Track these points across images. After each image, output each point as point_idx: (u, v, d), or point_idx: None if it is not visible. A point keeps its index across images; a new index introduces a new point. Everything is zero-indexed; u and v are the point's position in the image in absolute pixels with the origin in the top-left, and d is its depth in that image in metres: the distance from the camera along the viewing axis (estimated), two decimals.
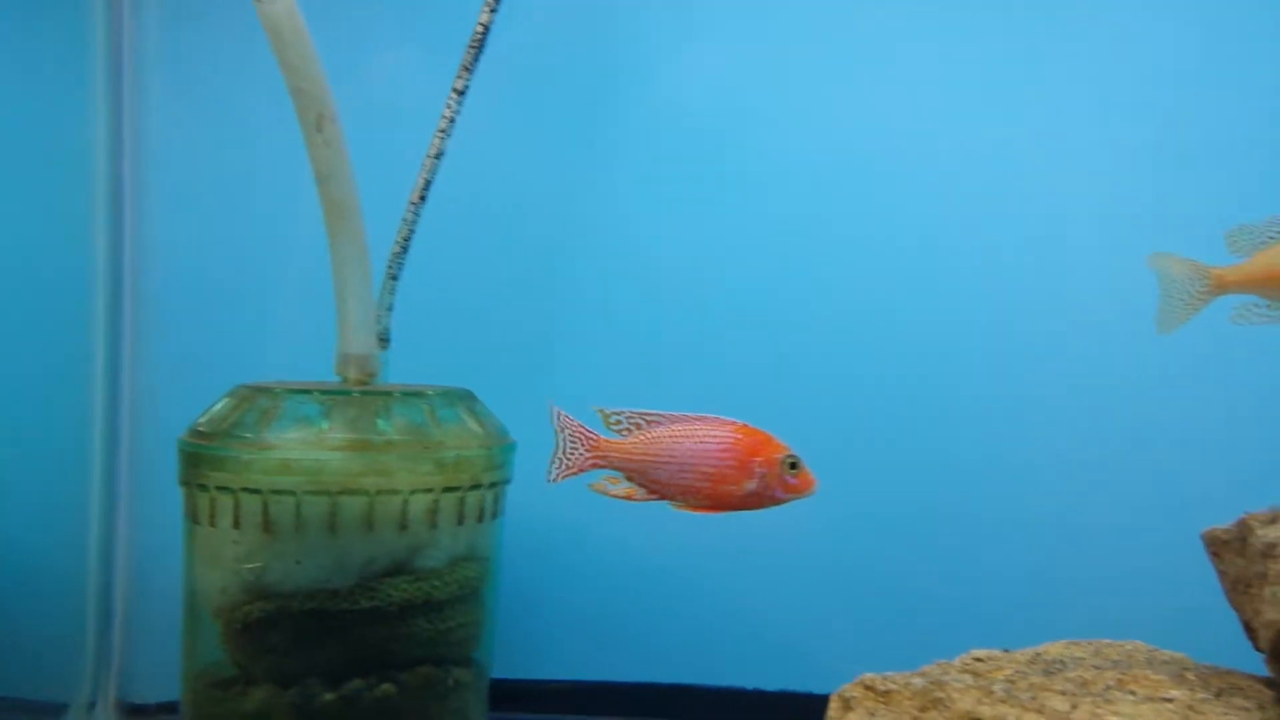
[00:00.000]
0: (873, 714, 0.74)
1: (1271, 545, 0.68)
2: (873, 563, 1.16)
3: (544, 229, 1.22)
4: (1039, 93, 1.16)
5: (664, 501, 0.80)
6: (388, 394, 0.94)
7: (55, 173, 1.17)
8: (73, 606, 1.16)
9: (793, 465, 0.78)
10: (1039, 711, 0.68)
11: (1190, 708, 0.68)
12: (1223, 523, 0.77)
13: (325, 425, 0.90)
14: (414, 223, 1.02)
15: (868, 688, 0.76)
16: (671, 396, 1.15)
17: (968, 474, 1.15)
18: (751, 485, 0.77)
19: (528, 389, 1.17)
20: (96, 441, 1.18)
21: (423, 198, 1.02)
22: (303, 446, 0.88)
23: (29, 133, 1.13)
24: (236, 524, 0.89)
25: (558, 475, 0.81)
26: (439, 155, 1.02)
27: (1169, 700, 0.69)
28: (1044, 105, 1.16)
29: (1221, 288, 0.85)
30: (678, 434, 0.78)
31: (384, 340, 1.01)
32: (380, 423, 0.91)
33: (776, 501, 0.78)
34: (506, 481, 0.99)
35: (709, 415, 0.79)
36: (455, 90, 1.02)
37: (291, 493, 0.88)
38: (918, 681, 0.75)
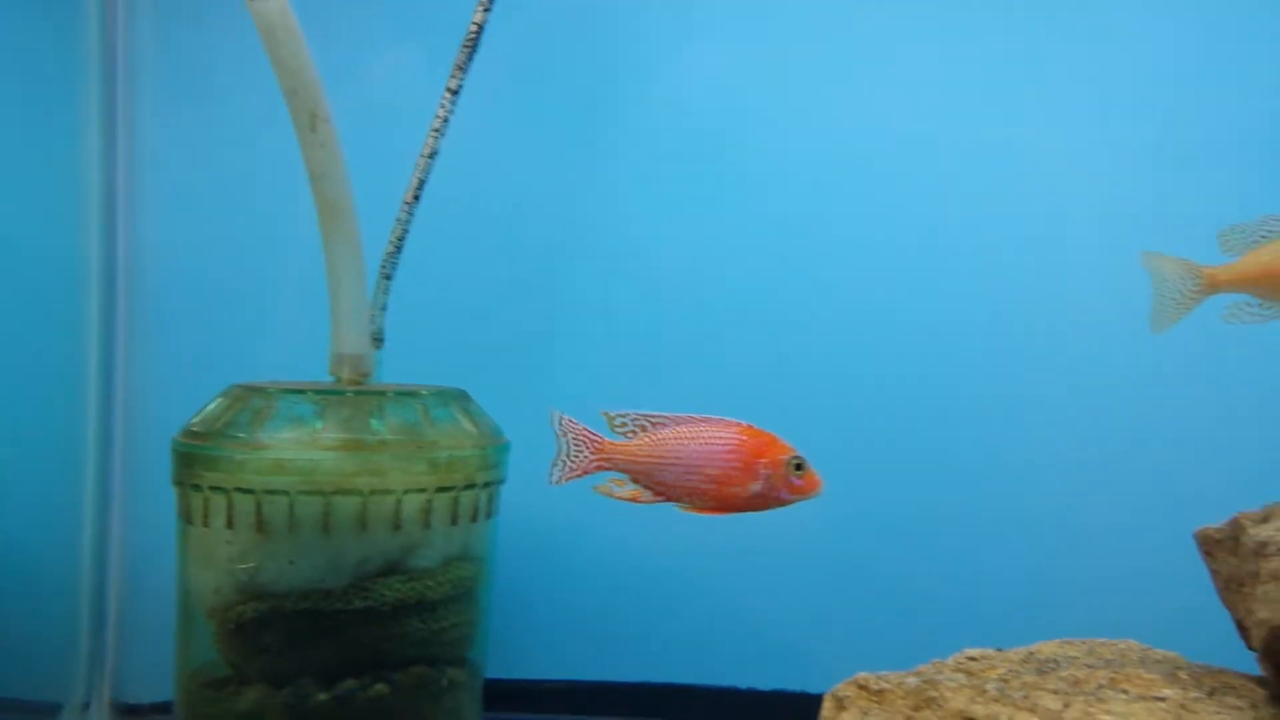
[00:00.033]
0: (866, 713, 0.74)
1: (1263, 544, 0.68)
2: (870, 562, 1.16)
3: (541, 228, 1.22)
4: (1039, 93, 1.16)
5: (669, 503, 0.80)
6: (381, 394, 0.94)
7: (48, 173, 1.17)
8: (67, 606, 1.16)
9: (798, 466, 0.78)
10: (1031, 710, 0.68)
11: (1183, 706, 0.68)
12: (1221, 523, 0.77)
13: (319, 425, 0.89)
14: (408, 222, 1.02)
15: (861, 687, 0.76)
16: (670, 396, 1.16)
17: (967, 474, 1.15)
18: (757, 487, 0.77)
19: (524, 389, 1.18)
20: (90, 441, 1.18)
21: (417, 197, 1.02)
22: (296, 446, 0.88)
23: (21, 133, 1.13)
24: (230, 524, 0.89)
25: (562, 478, 0.81)
26: (433, 155, 1.02)
27: (1161, 699, 0.69)
28: (1044, 105, 1.16)
29: (1214, 287, 0.85)
30: (683, 436, 0.78)
31: (378, 340, 1.01)
32: (374, 423, 0.91)
33: (782, 503, 0.78)
34: (501, 481, 0.99)
35: (714, 417, 0.79)
36: (449, 90, 1.02)
37: (285, 493, 0.87)
38: (911, 681, 0.75)
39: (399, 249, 1.02)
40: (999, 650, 0.82)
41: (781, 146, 1.19)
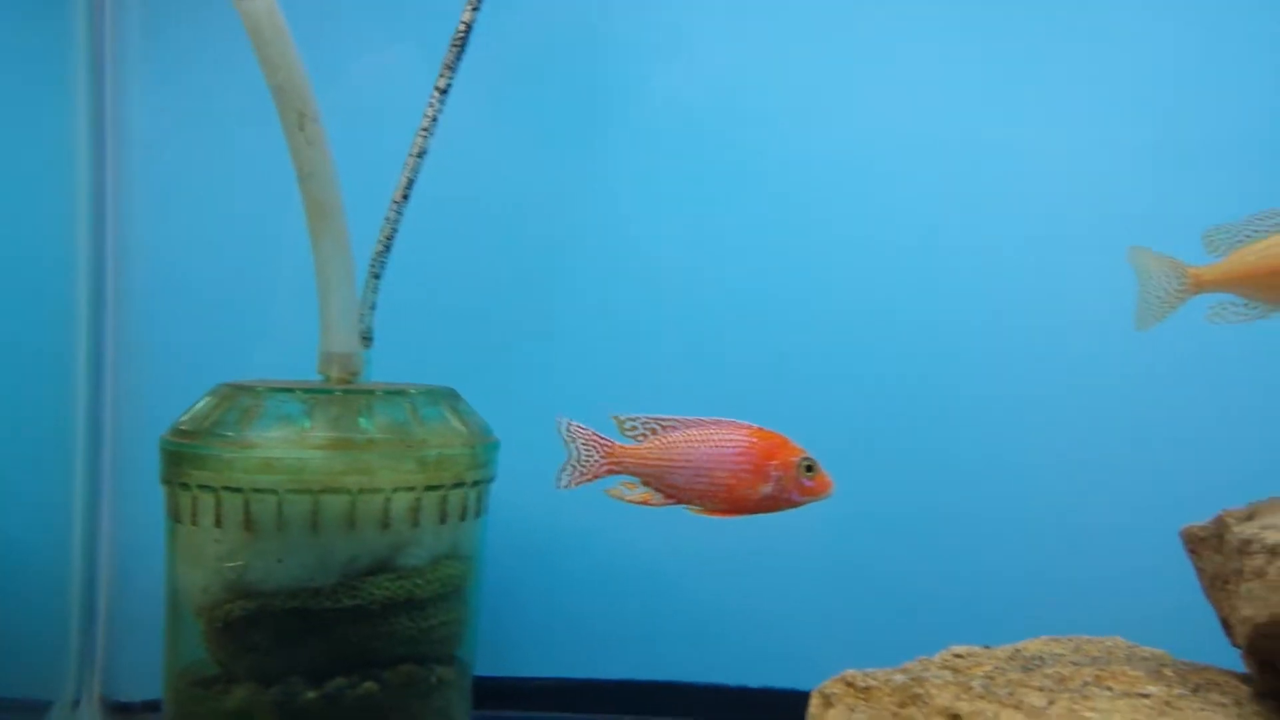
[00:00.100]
0: (853, 710, 0.74)
1: (1246, 542, 0.68)
2: (866, 561, 1.17)
3: (538, 228, 1.22)
4: (1039, 93, 1.16)
5: (680, 506, 0.80)
6: (370, 392, 0.94)
7: (36, 172, 1.16)
8: (57, 604, 1.16)
9: (809, 468, 0.78)
10: (1016, 707, 0.68)
11: (1167, 703, 0.69)
12: None
13: (307, 424, 0.89)
14: (397, 221, 1.02)
15: (849, 684, 0.76)
16: (669, 396, 1.17)
17: (966, 473, 1.15)
18: (767, 489, 0.77)
19: (519, 389, 1.18)
20: (79, 439, 1.18)
21: (405, 196, 1.02)
22: (284, 445, 0.88)
23: (9, 131, 1.12)
24: (218, 523, 0.89)
25: (572, 481, 0.81)
26: (422, 154, 1.02)
27: (1146, 696, 0.70)
28: (1044, 105, 1.16)
29: (1199, 286, 0.85)
30: (693, 438, 0.78)
31: (367, 339, 1.01)
32: (362, 421, 0.91)
33: (793, 504, 0.78)
34: (490, 480, 0.99)
35: (724, 419, 0.79)
36: (438, 89, 1.02)
37: (273, 491, 0.87)
38: (898, 678, 0.75)
39: (388, 248, 1.02)
40: (985, 647, 0.82)
41: (781, 146, 1.19)
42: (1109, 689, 0.70)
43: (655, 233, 1.20)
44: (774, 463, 0.78)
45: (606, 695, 1.18)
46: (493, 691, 1.14)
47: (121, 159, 1.21)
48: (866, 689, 0.75)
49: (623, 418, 0.80)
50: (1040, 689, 0.71)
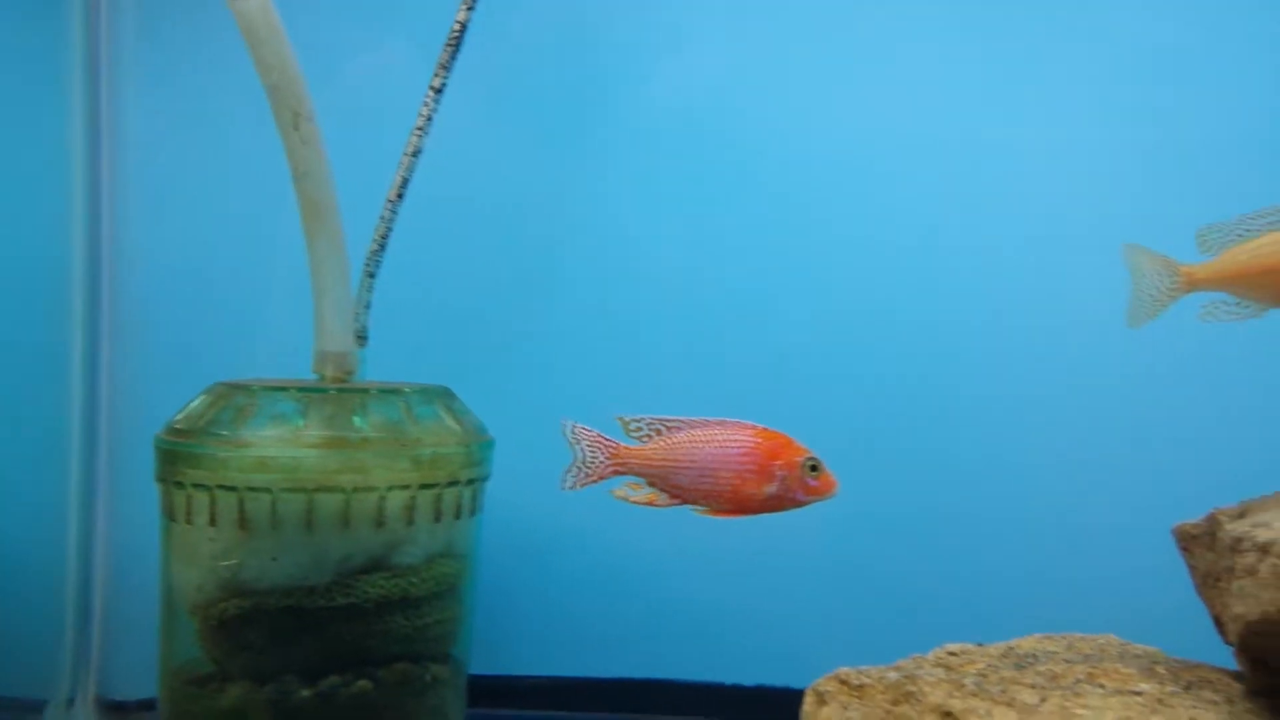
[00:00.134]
0: (846, 708, 0.74)
1: (1238, 540, 0.69)
2: (864, 560, 1.17)
3: (534, 227, 1.22)
4: (1039, 93, 1.16)
5: (684, 506, 0.80)
6: (364, 391, 0.94)
7: (32, 172, 1.16)
8: (51, 603, 1.16)
9: (813, 468, 0.78)
10: (1009, 705, 0.68)
11: (1159, 700, 0.69)
12: None
13: (301, 423, 0.90)
14: (391, 221, 1.02)
15: (842, 682, 0.76)
16: (668, 397, 1.17)
17: (966, 473, 1.15)
18: (772, 489, 0.77)
19: (514, 387, 1.18)
20: (75, 438, 1.18)
21: (400, 195, 1.02)
22: (279, 444, 0.88)
23: (4, 133, 1.12)
24: (213, 521, 0.89)
25: (577, 483, 0.81)
26: (417, 153, 1.02)
27: (1138, 693, 0.70)
28: (1044, 105, 1.16)
29: (1191, 285, 0.85)
30: (697, 439, 0.78)
31: (362, 338, 1.01)
32: (356, 420, 0.91)
33: (798, 504, 0.79)
34: (485, 478, 0.99)
35: (729, 420, 0.79)
36: (433, 88, 1.02)
37: (268, 490, 0.88)
38: (891, 675, 0.75)
39: (383, 247, 1.02)
40: (979, 645, 0.82)
41: (781, 146, 1.19)
42: (1101, 686, 0.70)
43: (654, 232, 1.20)
44: (778, 463, 0.78)
45: (601, 693, 1.18)
46: (488, 690, 1.14)
47: (117, 159, 1.21)
48: (860, 687, 0.75)
49: (627, 418, 0.80)
50: (1032, 686, 0.71)
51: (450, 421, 0.96)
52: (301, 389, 0.93)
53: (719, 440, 0.78)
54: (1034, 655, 0.80)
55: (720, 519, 0.79)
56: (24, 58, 1.16)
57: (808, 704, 0.76)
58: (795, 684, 0.76)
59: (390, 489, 0.90)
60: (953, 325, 1.16)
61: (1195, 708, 0.68)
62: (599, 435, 0.81)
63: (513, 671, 1.19)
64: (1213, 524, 0.75)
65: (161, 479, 0.93)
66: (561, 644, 1.20)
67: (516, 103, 1.22)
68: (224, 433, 0.89)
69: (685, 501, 0.80)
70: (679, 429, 0.79)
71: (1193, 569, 0.78)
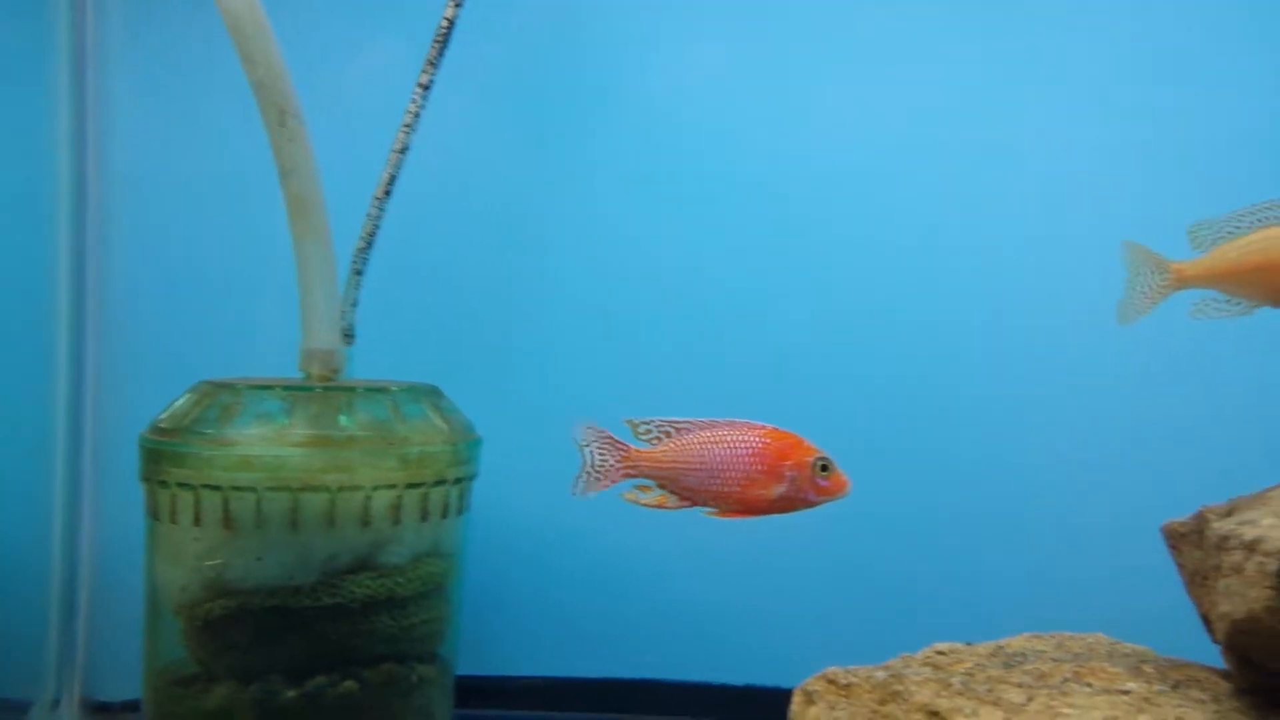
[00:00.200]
0: (833, 707, 0.74)
1: (1225, 538, 0.68)
2: (860, 559, 1.16)
3: (526, 225, 1.21)
4: (1039, 93, 1.16)
5: (694, 508, 0.80)
6: (350, 390, 0.93)
7: (17, 166, 1.16)
8: (37, 602, 1.15)
9: (824, 467, 0.77)
10: (995, 704, 0.68)
11: (1146, 699, 0.68)
12: None
13: (286, 421, 0.89)
14: (379, 218, 1.02)
15: (830, 681, 0.76)
16: (666, 396, 1.17)
17: (965, 473, 1.15)
18: (781, 489, 0.77)
19: (505, 387, 1.18)
20: (60, 437, 1.17)
21: (388, 193, 1.02)
22: (264, 443, 0.88)
23: None
24: (197, 521, 0.88)
25: (589, 488, 0.80)
26: (404, 150, 1.02)
27: (1125, 692, 0.69)
28: (1044, 105, 1.16)
29: (1181, 281, 0.85)
30: (706, 440, 0.78)
31: (348, 336, 1.01)
32: (342, 419, 0.90)
33: (809, 504, 0.78)
34: (472, 477, 0.99)
35: (738, 420, 0.78)
36: (420, 85, 1.02)
37: (252, 489, 0.87)
38: (879, 675, 0.75)
39: (370, 245, 1.02)
40: (968, 645, 0.82)
41: (781, 145, 1.19)
42: (1088, 685, 0.70)
43: (650, 231, 1.20)
44: (788, 463, 0.77)
45: (591, 694, 1.17)
46: (477, 690, 1.14)
47: (103, 157, 1.21)
48: (848, 686, 0.75)
49: (636, 421, 0.80)
50: (1019, 685, 0.71)
51: (437, 420, 0.95)
52: (287, 387, 0.92)
53: (728, 441, 0.77)
54: (1023, 654, 0.80)
55: (730, 520, 0.79)
56: (9, 56, 1.15)
57: (795, 703, 0.76)
58: (785, 684, 0.76)
59: (376, 488, 0.89)
60: (952, 325, 1.16)
61: (1182, 706, 0.67)
62: (611, 437, 0.80)
63: (502, 671, 1.18)
64: (1201, 522, 0.75)
65: (146, 478, 0.92)
66: (550, 644, 1.19)
67: (509, 99, 1.22)
68: (209, 431, 0.89)
69: (695, 503, 0.79)
70: (688, 430, 0.79)
71: (1181, 567, 0.78)
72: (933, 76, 1.17)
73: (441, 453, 0.94)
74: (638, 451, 0.79)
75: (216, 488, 0.87)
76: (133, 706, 1.17)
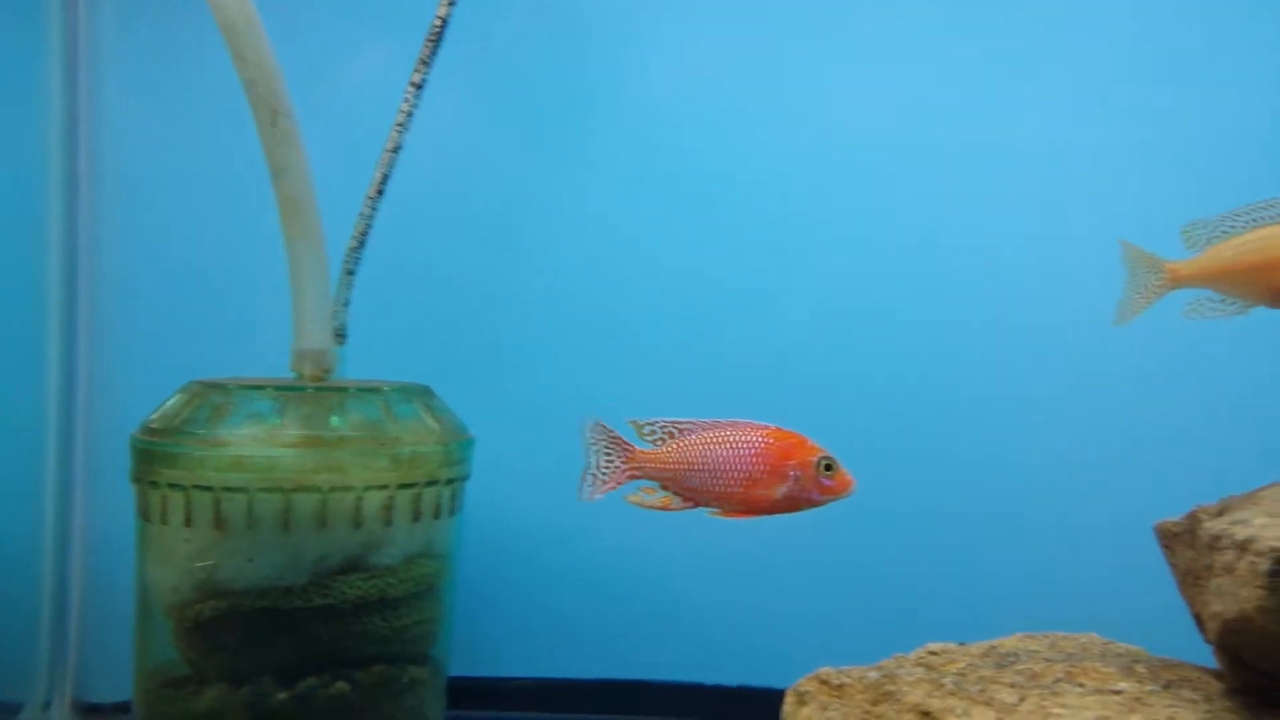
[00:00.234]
0: (825, 708, 0.74)
1: (1216, 538, 0.68)
2: (853, 559, 1.16)
3: (522, 225, 1.21)
4: (1039, 93, 1.16)
5: (699, 509, 0.80)
6: (342, 390, 0.93)
7: (9, 168, 1.15)
8: (28, 605, 1.15)
9: (828, 467, 0.77)
10: (987, 704, 0.68)
11: (1138, 699, 0.68)
12: None
13: (278, 421, 0.89)
14: (371, 218, 1.01)
15: (823, 682, 0.76)
16: (664, 397, 1.16)
17: (965, 473, 1.15)
18: (785, 489, 0.76)
19: (499, 387, 1.18)
20: (51, 437, 1.17)
21: (380, 192, 1.01)
22: (255, 443, 0.87)
23: None
24: (188, 522, 0.88)
25: (595, 491, 0.80)
26: (397, 149, 1.02)
27: (1117, 693, 0.69)
28: (1044, 105, 1.16)
29: (1175, 281, 0.85)
30: (709, 441, 0.78)
31: (340, 336, 1.00)
32: (334, 419, 0.90)
33: (814, 503, 0.78)
34: (465, 478, 0.99)
35: (742, 420, 0.78)
36: (413, 84, 1.01)
37: (244, 490, 0.87)
38: (872, 675, 0.75)
39: (362, 244, 1.01)
40: (961, 645, 0.82)
41: (781, 145, 1.18)
42: (1080, 685, 0.70)
43: (647, 231, 1.20)
44: (791, 462, 0.77)
45: (584, 694, 1.17)
46: (470, 691, 1.14)
47: (95, 156, 1.20)
48: (840, 686, 0.75)
49: (640, 422, 0.79)
50: (1011, 685, 0.70)
51: (429, 420, 0.95)
52: (278, 387, 0.92)
53: (731, 442, 0.77)
54: (1015, 654, 0.79)
55: (727, 520, 0.78)
56: (1, 55, 1.15)
57: (788, 704, 0.76)
58: (779, 684, 0.76)
59: (368, 488, 0.89)
60: (952, 325, 1.16)
61: (1173, 706, 0.67)
62: (616, 438, 0.79)
63: (495, 673, 1.18)
64: (1193, 522, 0.75)
65: (137, 479, 0.92)
66: (543, 645, 1.19)
67: (507, 98, 1.21)
68: (200, 432, 0.88)
69: (699, 504, 0.79)
70: (691, 431, 0.78)
71: (1174, 567, 0.78)
72: (933, 76, 1.17)
73: (433, 453, 0.93)
74: (642, 453, 0.79)
75: (208, 488, 0.87)
76: (124, 708, 1.16)
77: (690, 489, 0.78)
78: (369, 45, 1.21)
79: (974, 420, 1.15)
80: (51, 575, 1.17)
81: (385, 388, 0.95)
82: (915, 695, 0.70)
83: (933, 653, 0.82)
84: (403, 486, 0.91)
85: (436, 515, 0.94)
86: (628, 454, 0.79)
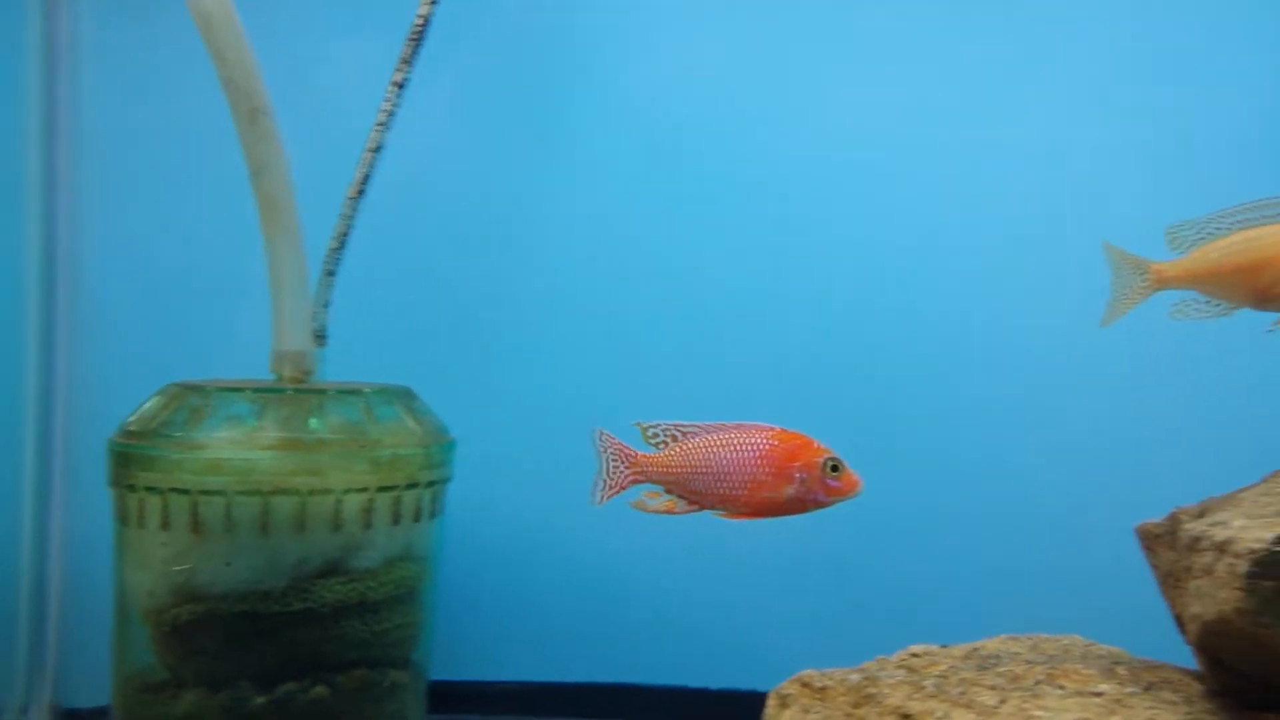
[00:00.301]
0: (807, 710, 0.74)
1: (1196, 539, 0.68)
2: (848, 560, 1.16)
3: (509, 225, 1.20)
4: (1038, 93, 1.16)
5: (705, 512, 0.79)
6: (322, 392, 0.92)
7: None
8: (5, 609, 1.13)
9: (834, 468, 0.76)
10: (967, 706, 0.68)
11: (1118, 701, 0.68)
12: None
13: (256, 424, 0.88)
14: (352, 218, 1.01)
15: (805, 684, 0.75)
16: (659, 396, 1.16)
17: (964, 473, 1.15)
18: (791, 490, 0.76)
19: (483, 388, 1.17)
20: (29, 440, 1.16)
21: (361, 192, 1.01)
22: (233, 446, 0.87)
23: None
24: (165, 525, 0.87)
25: (603, 496, 0.79)
26: (378, 149, 1.01)
27: (1097, 694, 0.69)
28: (1043, 105, 1.16)
29: (1161, 283, 0.85)
30: (713, 444, 0.77)
31: (320, 337, 1.00)
32: (313, 421, 0.89)
33: (820, 505, 0.77)
34: (446, 480, 0.98)
35: (746, 422, 0.78)
36: (394, 83, 1.01)
37: (221, 493, 0.86)
38: (854, 678, 0.75)
39: (343, 245, 1.01)
40: (943, 646, 0.82)
41: (780, 146, 1.18)
42: (1061, 688, 0.70)
43: (651, 232, 1.19)
44: (797, 464, 0.76)
45: (566, 698, 1.16)
46: (453, 695, 1.13)
47: (74, 153, 1.19)
48: (822, 689, 0.74)
49: (645, 425, 0.79)
50: (992, 688, 0.70)
51: (410, 422, 0.94)
52: (257, 389, 0.91)
53: (736, 444, 0.77)
54: (997, 656, 0.79)
55: (724, 521, 0.78)
56: None
57: (770, 707, 0.75)
58: (763, 687, 0.76)
59: (347, 491, 0.88)
60: (952, 325, 1.16)
61: (1153, 708, 0.67)
62: (620, 444, 0.79)
63: (477, 676, 1.17)
64: (1174, 523, 0.75)
65: (114, 482, 0.91)
66: (527, 648, 1.18)
67: (502, 98, 1.20)
68: (177, 434, 0.88)
69: (704, 507, 0.78)
70: (695, 434, 0.78)
71: (1155, 568, 0.78)
72: (933, 76, 1.17)
73: (414, 455, 0.93)
74: (645, 457, 0.78)
75: (185, 491, 0.86)
76: (102, 713, 1.15)
77: (695, 492, 0.77)
78: (350, 43, 1.20)
79: (973, 420, 1.15)
80: (30, 579, 1.16)
81: (366, 390, 0.95)
82: (896, 698, 0.70)
83: (915, 655, 0.81)
84: (383, 489, 0.90)
85: (417, 518, 0.94)
86: (630, 459, 0.78)
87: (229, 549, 0.86)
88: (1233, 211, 0.83)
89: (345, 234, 1.01)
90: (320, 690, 0.88)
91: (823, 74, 1.18)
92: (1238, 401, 1.13)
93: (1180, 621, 0.74)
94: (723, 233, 1.19)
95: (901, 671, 0.76)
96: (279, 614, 0.86)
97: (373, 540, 0.90)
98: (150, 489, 0.87)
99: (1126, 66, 1.15)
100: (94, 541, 1.15)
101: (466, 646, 1.17)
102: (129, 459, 0.89)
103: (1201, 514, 0.73)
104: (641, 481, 0.79)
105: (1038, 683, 0.71)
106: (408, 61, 1.01)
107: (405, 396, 0.98)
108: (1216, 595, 0.64)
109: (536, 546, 1.18)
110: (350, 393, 0.93)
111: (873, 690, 0.72)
